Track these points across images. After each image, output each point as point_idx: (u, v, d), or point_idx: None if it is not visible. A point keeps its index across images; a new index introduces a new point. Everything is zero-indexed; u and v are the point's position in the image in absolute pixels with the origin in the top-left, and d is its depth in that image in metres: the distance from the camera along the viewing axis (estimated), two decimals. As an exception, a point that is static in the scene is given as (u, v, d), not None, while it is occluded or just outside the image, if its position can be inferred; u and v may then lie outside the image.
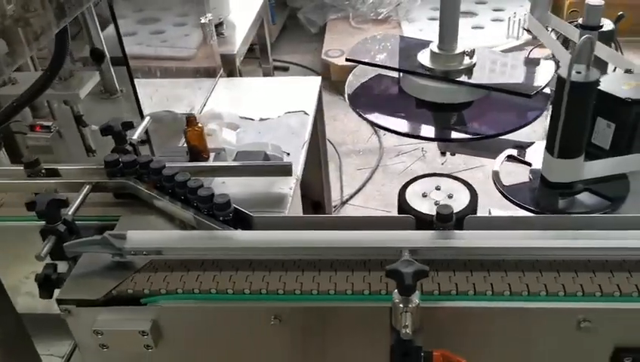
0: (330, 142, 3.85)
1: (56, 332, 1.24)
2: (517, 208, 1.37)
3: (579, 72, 1.16)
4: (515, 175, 1.45)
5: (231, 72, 2.93)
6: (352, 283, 1.03)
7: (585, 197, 1.30)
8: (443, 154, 3.21)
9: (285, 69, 4.82)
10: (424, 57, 1.62)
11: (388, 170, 3.73)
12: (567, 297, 1.00)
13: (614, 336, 1.02)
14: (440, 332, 1.02)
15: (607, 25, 1.83)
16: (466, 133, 1.58)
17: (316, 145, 2.61)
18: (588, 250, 1.04)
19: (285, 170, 1.33)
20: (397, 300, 0.93)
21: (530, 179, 1.36)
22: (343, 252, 1.07)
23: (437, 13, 1.58)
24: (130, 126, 1.35)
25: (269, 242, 1.08)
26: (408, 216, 1.14)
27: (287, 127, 2.21)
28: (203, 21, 2.37)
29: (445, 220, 1.08)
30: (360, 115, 1.60)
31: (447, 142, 1.70)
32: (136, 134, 1.40)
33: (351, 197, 3.57)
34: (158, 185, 1.27)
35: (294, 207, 1.36)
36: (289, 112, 2.28)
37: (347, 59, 1.69)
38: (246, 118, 2.24)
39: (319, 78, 2.52)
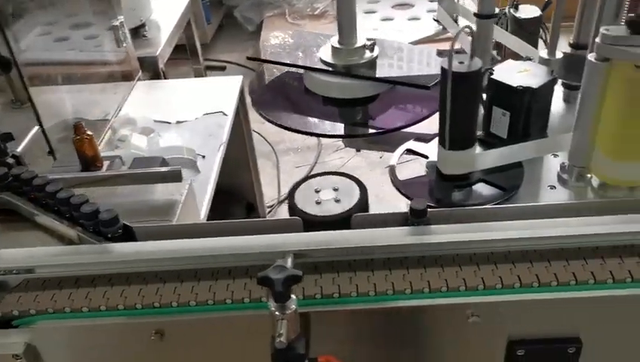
0: (266, 140, 3.82)
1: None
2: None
3: (462, 62, 1.14)
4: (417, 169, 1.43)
5: (155, 75, 2.86)
6: (250, 291, 1.00)
7: (480, 188, 1.29)
8: (381, 148, 3.18)
9: (222, 69, 4.75)
10: (325, 53, 1.58)
11: (326, 166, 3.70)
12: (457, 292, 0.98)
13: (507, 329, 1.01)
14: (335, 335, 1.01)
15: (534, 12, 1.83)
16: (371, 128, 1.55)
17: (242, 145, 2.57)
18: (485, 243, 1.02)
19: (175, 176, 1.29)
20: (272, 308, 0.90)
21: (426, 172, 1.33)
22: (223, 259, 1.03)
23: (374, 7, 1.55)
24: (9, 138, 1.29)
25: (145, 253, 1.04)
26: (295, 219, 1.11)
27: (204, 128, 2.16)
28: (114, 24, 2.29)
29: (420, 215, 1.04)
30: (263, 117, 1.56)
31: (351, 139, 1.67)
32: (20, 146, 1.33)
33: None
34: (43, 201, 1.21)
35: (190, 214, 1.31)
36: (207, 114, 2.23)
37: (247, 58, 1.65)
38: (162, 122, 2.19)
39: (240, 78, 2.48)
